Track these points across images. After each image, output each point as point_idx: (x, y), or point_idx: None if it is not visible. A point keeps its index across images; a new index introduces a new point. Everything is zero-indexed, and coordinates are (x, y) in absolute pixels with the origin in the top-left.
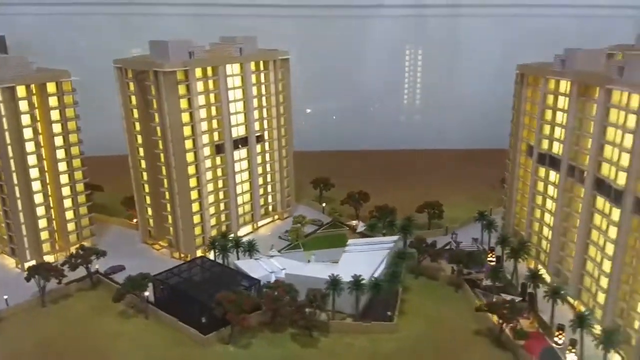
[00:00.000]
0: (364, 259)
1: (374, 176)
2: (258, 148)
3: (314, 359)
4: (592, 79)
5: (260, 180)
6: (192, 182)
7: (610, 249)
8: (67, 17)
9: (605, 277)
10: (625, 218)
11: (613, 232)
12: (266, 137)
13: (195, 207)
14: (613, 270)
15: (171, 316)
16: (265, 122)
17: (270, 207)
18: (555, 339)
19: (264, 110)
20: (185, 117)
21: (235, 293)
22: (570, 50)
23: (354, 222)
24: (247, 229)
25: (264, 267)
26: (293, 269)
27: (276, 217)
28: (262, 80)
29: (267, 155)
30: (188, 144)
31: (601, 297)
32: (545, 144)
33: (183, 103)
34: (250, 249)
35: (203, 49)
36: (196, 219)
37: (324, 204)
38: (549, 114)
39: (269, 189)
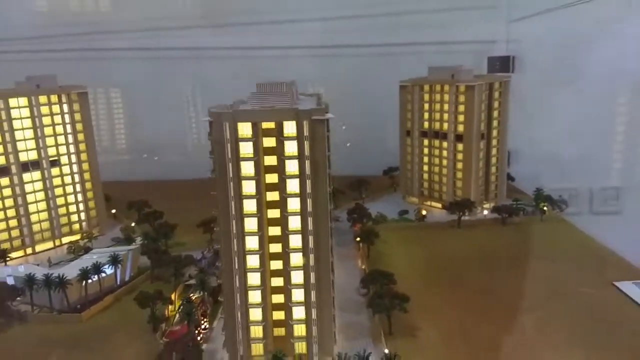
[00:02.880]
0: (88, 262)
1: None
2: (55, 171)
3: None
4: None
5: (62, 201)
6: None
7: None
8: None
9: None
10: None
11: None
12: (63, 161)
13: None
14: None
15: None
16: (60, 148)
17: (77, 226)
18: None
19: (60, 138)
20: None
21: None
22: None
23: None
24: (49, 244)
25: (5, 272)
26: (19, 272)
27: (85, 234)
28: (57, 111)
29: (69, 178)
30: None
31: None
32: None
33: None
34: (2, 258)
35: None
36: None
37: (132, 224)
38: None
39: (73, 208)
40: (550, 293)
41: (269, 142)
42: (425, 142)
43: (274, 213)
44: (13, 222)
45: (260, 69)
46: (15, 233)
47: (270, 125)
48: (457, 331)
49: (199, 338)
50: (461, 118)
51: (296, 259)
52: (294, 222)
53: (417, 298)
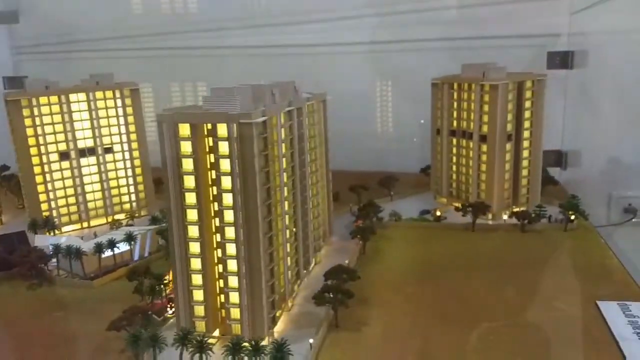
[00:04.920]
0: (114, 237)
1: None
2: (109, 157)
3: (25, 297)
4: None
5: (114, 183)
6: (39, 179)
7: None
8: None
9: None
10: None
11: None
12: (116, 149)
13: (42, 197)
14: None
15: None
16: (114, 137)
17: (127, 205)
18: None
19: (113, 128)
20: (29, 131)
21: None
22: None
23: None
24: (102, 220)
25: (49, 241)
26: (59, 242)
27: (128, 213)
28: (111, 105)
29: (121, 164)
30: (33, 150)
31: None
32: None
33: (27, 122)
34: (52, 229)
35: (57, 84)
36: (44, 206)
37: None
38: None
39: (124, 190)
40: (524, 304)
41: (211, 141)
42: (454, 141)
43: (214, 206)
44: (72, 200)
45: (307, 66)
46: (73, 209)
47: (209, 126)
48: (404, 331)
49: (171, 312)
50: (486, 118)
51: (231, 249)
52: (229, 216)
53: (385, 295)
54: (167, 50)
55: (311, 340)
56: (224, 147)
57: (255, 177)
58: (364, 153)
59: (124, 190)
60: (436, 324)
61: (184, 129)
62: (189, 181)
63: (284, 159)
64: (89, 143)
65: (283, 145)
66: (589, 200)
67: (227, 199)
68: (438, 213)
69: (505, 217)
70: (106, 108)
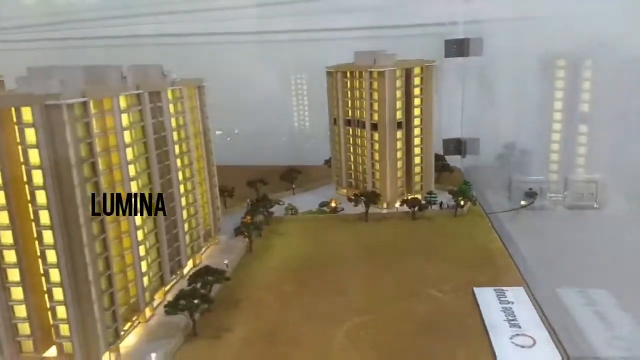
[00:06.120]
0: None
1: None
2: None
3: None
4: None
5: None
6: None
7: None
8: None
9: None
10: None
11: None
12: None
13: None
14: None
15: None
16: None
17: None
18: None
19: None
20: None
21: None
22: None
23: None
24: None
25: None
26: None
27: None
28: None
29: None
30: None
31: None
32: None
33: None
34: None
35: None
36: None
37: None
38: None
39: None
40: (399, 293)
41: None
42: (350, 131)
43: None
44: None
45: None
46: None
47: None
48: (269, 334)
49: None
50: (376, 106)
51: (51, 256)
52: (45, 217)
53: (258, 296)
54: (59, 42)
55: (154, 355)
56: (30, 135)
57: (71, 170)
58: (272, 147)
59: None
60: (307, 323)
61: None
62: None
63: (128, 149)
64: None
65: (126, 133)
66: (489, 187)
67: (40, 196)
68: (333, 204)
69: (397, 205)
70: None
